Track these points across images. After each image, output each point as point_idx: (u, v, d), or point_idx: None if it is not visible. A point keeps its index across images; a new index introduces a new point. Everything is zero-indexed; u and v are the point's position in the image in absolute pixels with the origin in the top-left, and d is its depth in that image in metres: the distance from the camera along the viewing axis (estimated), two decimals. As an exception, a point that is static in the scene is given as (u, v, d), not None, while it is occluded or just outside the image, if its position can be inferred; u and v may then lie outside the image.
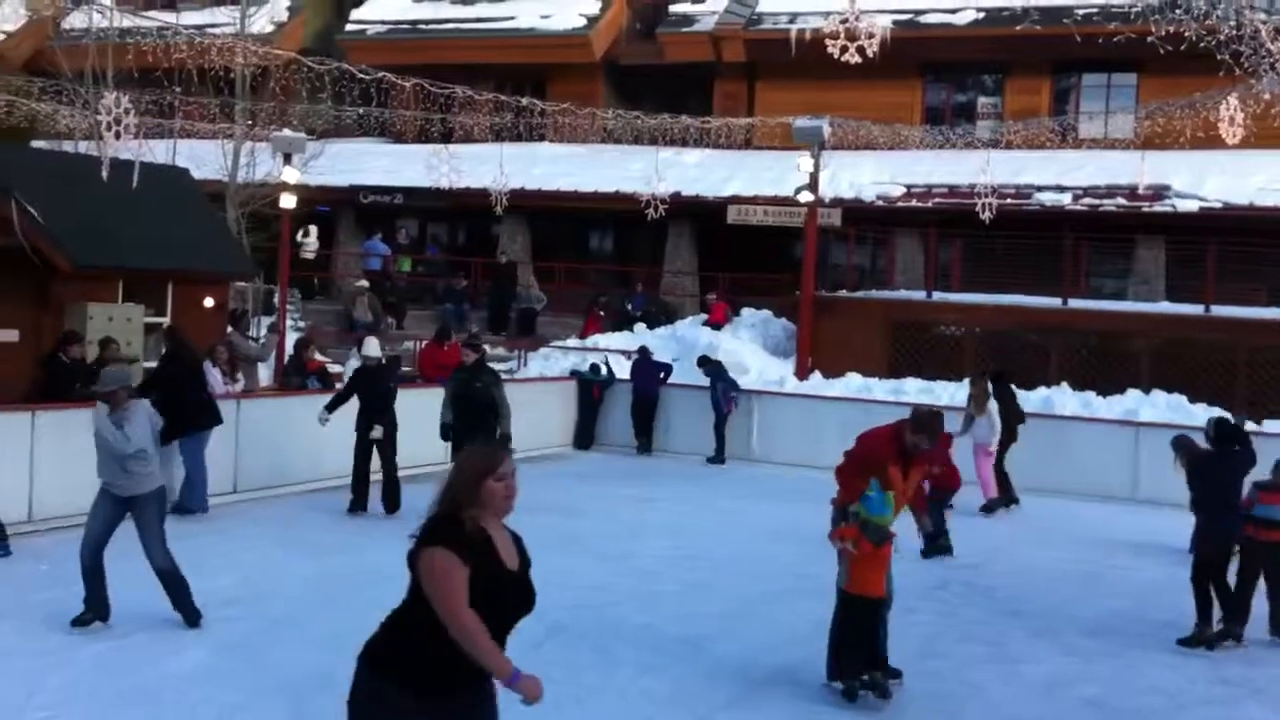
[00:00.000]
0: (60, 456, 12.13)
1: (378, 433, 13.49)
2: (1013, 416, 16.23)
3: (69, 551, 11.15)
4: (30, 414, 12.30)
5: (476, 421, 13.17)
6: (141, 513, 8.87)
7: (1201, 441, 11.27)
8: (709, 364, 19.94)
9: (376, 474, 13.81)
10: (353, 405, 13.96)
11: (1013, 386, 16.94)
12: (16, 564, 10.78)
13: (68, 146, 25.99)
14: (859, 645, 8.08)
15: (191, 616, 8.98)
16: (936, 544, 12.46)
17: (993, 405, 15.77)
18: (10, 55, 35.24)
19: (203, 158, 25.90)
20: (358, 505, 13.75)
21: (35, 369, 14.55)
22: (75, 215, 16.69)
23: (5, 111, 26.07)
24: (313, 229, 30.14)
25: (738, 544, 13.26)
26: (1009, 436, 16.08)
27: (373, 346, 14.34)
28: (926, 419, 8.47)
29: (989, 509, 15.70)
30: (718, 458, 19.32)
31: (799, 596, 10.67)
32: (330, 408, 13.94)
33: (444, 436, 13.85)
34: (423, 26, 34.53)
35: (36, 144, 25.94)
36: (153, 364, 15.55)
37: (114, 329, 16.08)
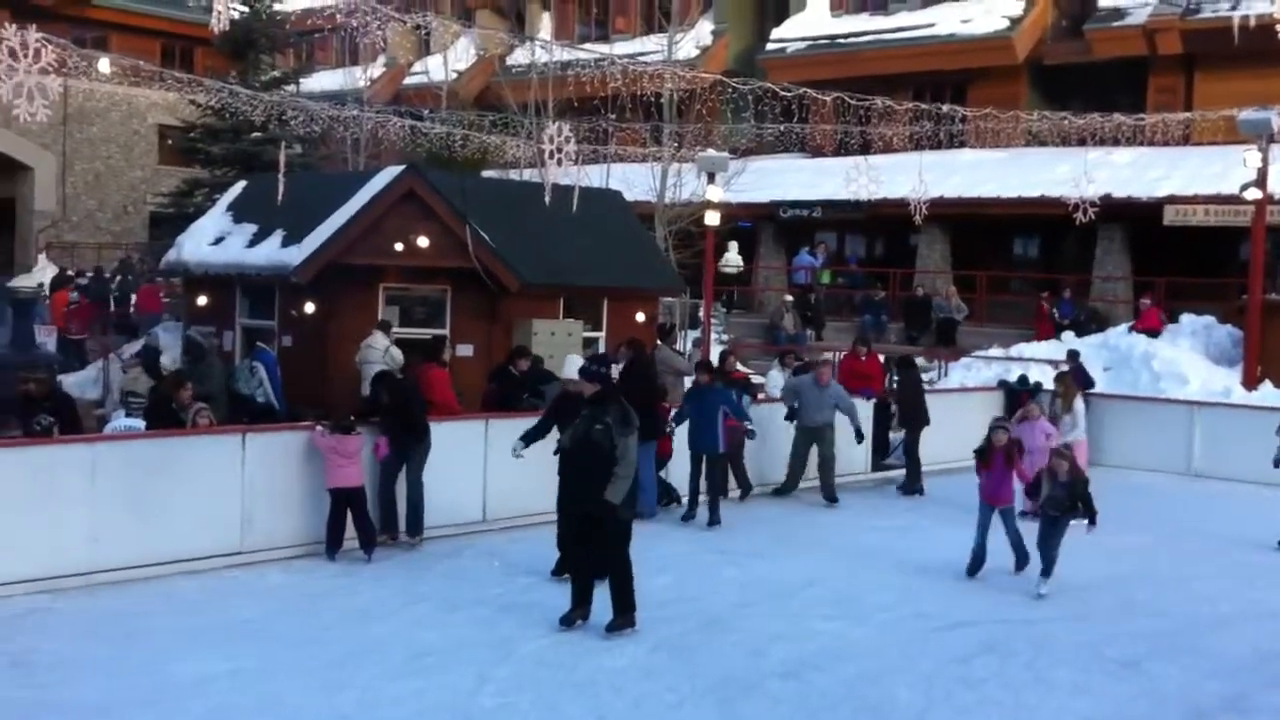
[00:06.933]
0: (510, 461, 13.07)
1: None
2: (915, 404, 16.35)
3: (520, 550, 12.07)
4: (484, 423, 13.35)
5: (589, 481, 9.24)
6: None
7: None
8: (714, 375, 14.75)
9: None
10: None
11: (921, 375, 17.25)
12: (472, 561, 11.69)
13: (513, 174, 27.89)
14: None
15: None
16: None
17: (1079, 405, 15.38)
18: (463, 92, 38.32)
19: (633, 180, 27.11)
20: (566, 569, 10.42)
21: (487, 381, 15.68)
22: (520, 238, 17.96)
23: (460, 144, 28.33)
24: (733, 244, 30.92)
25: (1175, 563, 12.54)
26: (918, 422, 16.21)
27: (574, 367, 11.20)
28: None
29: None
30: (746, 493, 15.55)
31: (1242, 620, 10.01)
32: (526, 439, 11.20)
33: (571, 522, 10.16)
34: (841, 40, 34.71)
35: (486, 173, 28.00)
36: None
37: (555, 343, 17.12)
